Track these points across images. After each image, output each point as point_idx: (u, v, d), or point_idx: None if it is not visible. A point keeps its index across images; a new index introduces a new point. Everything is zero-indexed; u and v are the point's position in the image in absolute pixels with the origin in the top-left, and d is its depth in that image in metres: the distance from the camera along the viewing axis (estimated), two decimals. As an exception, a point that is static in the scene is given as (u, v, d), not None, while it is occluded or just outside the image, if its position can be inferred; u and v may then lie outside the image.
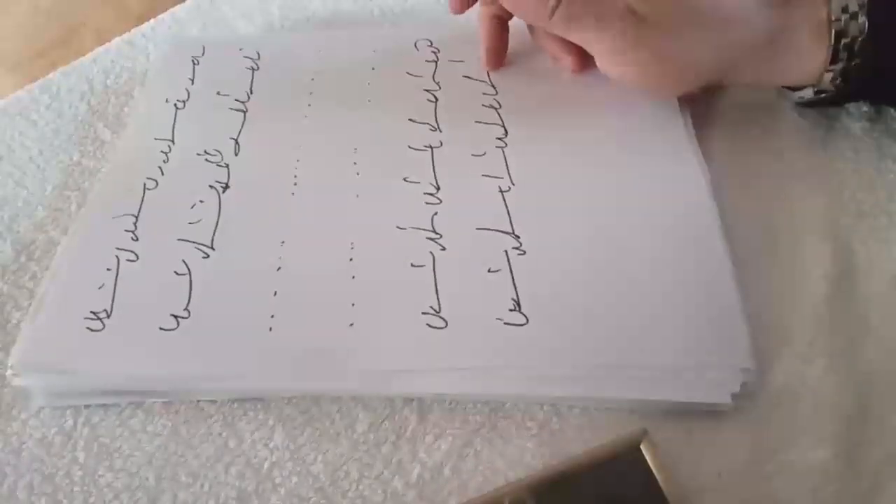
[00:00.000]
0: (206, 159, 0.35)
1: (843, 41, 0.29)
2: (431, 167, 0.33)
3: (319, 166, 0.34)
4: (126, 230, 0.32)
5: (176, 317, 0.29)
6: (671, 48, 0.31)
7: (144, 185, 0.34)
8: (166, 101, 0.38)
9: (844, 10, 0.29)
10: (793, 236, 0.30)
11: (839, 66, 0.30)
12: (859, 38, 0.29)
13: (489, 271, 0.29)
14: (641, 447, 0.24)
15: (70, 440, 0.28)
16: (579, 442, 0.26)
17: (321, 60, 0.39)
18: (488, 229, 0.31)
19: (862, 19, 0.29)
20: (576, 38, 0.32)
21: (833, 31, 0.30)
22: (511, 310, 0.28)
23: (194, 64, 0.40)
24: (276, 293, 0.29)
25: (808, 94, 0.32)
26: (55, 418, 0.28)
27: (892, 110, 0.34)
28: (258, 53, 0.40)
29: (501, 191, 0.32)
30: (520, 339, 0.27)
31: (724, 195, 0.31)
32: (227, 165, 0.35)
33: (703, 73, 0.32)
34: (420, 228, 0.31)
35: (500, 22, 0.36)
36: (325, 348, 0.28)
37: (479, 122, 0.35)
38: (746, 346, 0.26)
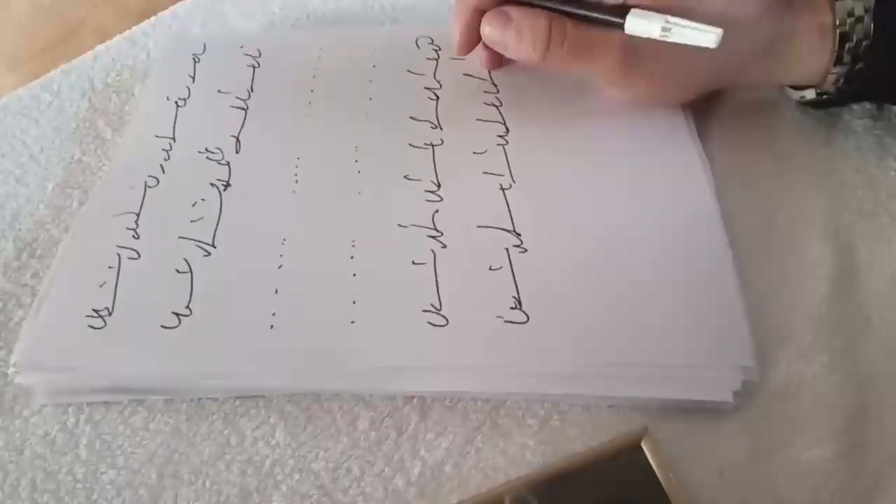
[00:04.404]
0: (208, 157, 0.35)
1: (848, 45, 0.29)
2: (432, 165, 0.33)
3: (320, 164, 0.34)
4: (127, 228, 0.32)
5: (177, 315, 0.29)
6: (670, 69, 0.31)
7: (145, 182, 0.34)
8: (167, 98, 0.38)
9: (850, 14, 0.29)
10: (794, 235, 0.30)
11: (842, 69, 0.30)
12: (864, 43, 0.29)
13: (490, 269, 0.29)
14: (642, 445, 0.24)
15: (72, 438, 0.28)
16: (580, 440, 0.26)
17: (322, 58, 0.39)
18: (489, 227, 0.31)
19: (867, 23, 0.29)
20: (573, 72, 0.32)
21: (837, 35, 0.29)
22: (512, 308, 0.28)
23: (195, 62, 0.40)
24: (277, 291, 0.29)
25: (810, 94, 0.32)
26: (57, 416, 0.28)
27: (894, 108, 0.34)
28: (259, 51, 0.40)
29: (502, 188, 0.32)
30: (521, 337, 0.27)
31: (724, 193, 0.31)
32: (228, 163, 0.35)
33: (705, 84, 0.33)
34: (421, 226, 0.31)
35: (481, 16, 0.34)
36: (327, 346, 0.28)
37: (480, 120, 0.35)
38: (747, 344, 0.26)
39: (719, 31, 0.27)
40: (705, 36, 0.27)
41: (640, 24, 0.28)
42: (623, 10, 0.29)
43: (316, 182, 0.34)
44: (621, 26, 0.29)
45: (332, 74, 0.38)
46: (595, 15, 0.30)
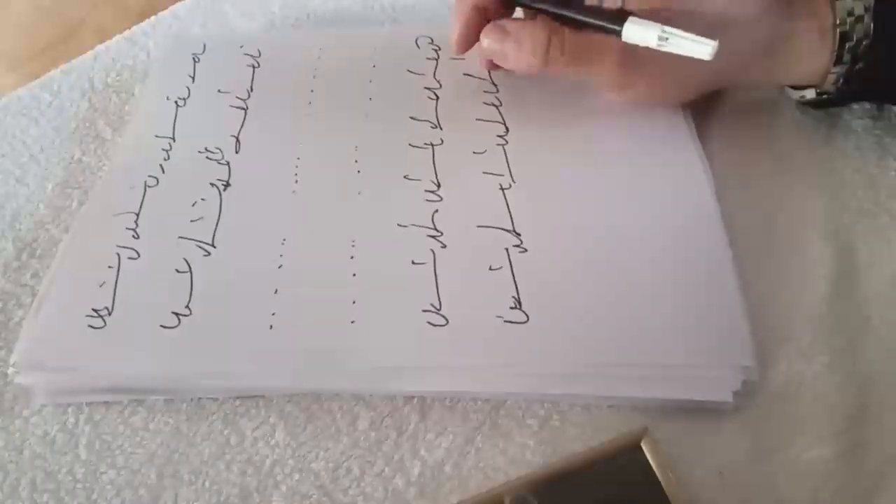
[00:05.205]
0: (207, 157, 0.35)
1: (848, 45, 0.29)
2: (432, 165, 0.33)
3: (320, 164, 0.34)
4: (127, 228, 0.32)
5: (177, 315, 0.29)
6: (669, 71, 0.31)
7: (145, 182, 0.34)
8: (167, 98, 0.38)
9: (850, 13, 0.29)
10: (794, 235, 0.30)
11: (842, 69, 0.30)
12: (864, 42, 0.29)
13: (490, 269, 0.29)
14: (642, 445, 0.24)
15: (72, 438, 0.28)
16: (580, 440, 0.26)
17: (322, 58, 0.39)
18: (489, 227, 0.31)
19: (867, 23, 0.29)
20: (573, 77, 0.32)
21: (837, 35, 0.29)
22: (512, 308, 0.28)
23: (195, 61, 0.40)
24: (277, 291, 0.29)
25: (810, 94, 0.32)
26: (57, 416, 0.28)
27: (894, 108, 0.34)
28: (259, 51, 0.40)
29: (502, 188, 0.32)
30: (520, 337, 0.27)
31: (724, 194, 0.31)
32: (227, 163, 0.35)
33: (704, 85, 0.33)
34: (421, 226, 0.31)
35: (481, 14, 0.34)
36: (327, 346, 0.28)
37: (480, 120, 0.35)
38: (748, 344, 0.26)
39: (715, 43, 0.27)
40: (702, 48, 0.27)
41: (637, 33, 0.28)
42: (621, 17, 0.29)
43: (316, 182, 0.34)
44: (619, 34, 0.29)
45: (332, 74, 0.38)
46: (593, 21, 0.30)
